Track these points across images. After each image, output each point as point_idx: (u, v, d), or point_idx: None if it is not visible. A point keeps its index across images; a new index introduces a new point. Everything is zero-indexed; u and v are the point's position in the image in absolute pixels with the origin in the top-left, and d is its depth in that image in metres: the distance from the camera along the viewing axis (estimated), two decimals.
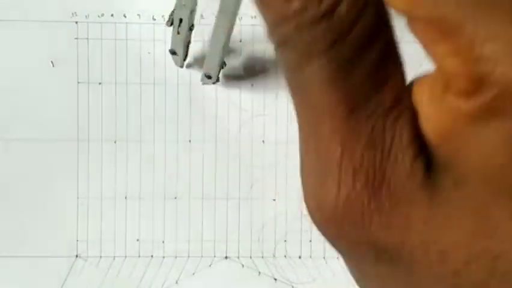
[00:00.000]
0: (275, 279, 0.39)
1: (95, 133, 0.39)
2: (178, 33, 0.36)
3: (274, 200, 0.39)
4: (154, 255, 0.40)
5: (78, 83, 0.39)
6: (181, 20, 0.36)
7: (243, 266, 0.40)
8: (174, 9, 0.36)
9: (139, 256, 0.40)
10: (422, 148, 0.15)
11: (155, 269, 0.40)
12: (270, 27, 0.15)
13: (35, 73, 0.39)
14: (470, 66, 0.14)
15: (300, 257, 0.40)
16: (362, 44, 0.15)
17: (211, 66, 0.37)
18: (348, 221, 0.16)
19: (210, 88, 0.39)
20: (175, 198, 0.40)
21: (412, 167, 0.15)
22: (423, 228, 0.15)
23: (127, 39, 0.39)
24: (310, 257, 0.40)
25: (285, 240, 0.40)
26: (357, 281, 0.18)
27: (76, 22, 0.39)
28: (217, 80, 0.37)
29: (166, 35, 0.39)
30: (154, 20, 0.39)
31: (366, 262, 0.16)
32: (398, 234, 0.15)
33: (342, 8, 0.14)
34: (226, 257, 0.40)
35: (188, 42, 0.37)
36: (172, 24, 0.37)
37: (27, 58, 0.39)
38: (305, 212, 0.37)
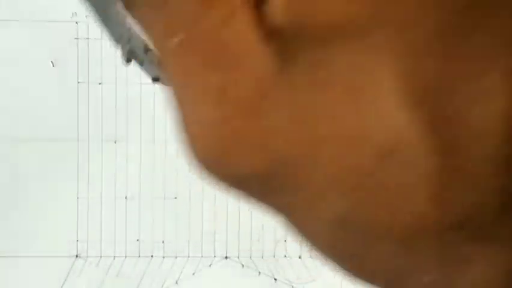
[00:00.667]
0: (275, 279, 0.39)
1: (95, 133, 0.39)
2: (142, 64, 0.35)
3: None
4: (154, 255, 0.40)
5: (78, 83, 0.39)
6: (133, 52, 0.35)
7: (243, 266, 0.40)
8: (122, 49, 0.35)
9: (139, 256, 0.40)
10: (269, 36, 0.14)
11: (155, 269, 0.40)
12: None
13: (35, 73, 0.39)
14: None
15: (300, 257, 0.40)
16: None
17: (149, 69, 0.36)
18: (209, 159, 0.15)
19: None
20: (175, 198, 0.40)
21: (262, 63, 0.14)
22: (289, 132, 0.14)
23: None
24: (310, 257, 0.40)
25: (285, 240, 0.40)
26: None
27: (76, 22, 0.39)
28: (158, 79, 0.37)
29: None
30: None
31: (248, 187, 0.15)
32: (266, 147, 0.14)
33: None
34: (226, 257, 0.40)
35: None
36: (130, 61, 0.36)
37: (27, 58, 0.39)
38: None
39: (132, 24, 0.28)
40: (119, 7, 0.24)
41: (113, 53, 0.39)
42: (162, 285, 0.40)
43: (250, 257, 0.40)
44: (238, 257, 0.40)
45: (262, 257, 0.39)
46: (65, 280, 0.39)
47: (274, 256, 0.40)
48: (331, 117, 0.13)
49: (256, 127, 0.14)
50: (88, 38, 0.39)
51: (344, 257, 0.15)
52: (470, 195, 0.13)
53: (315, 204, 0.14)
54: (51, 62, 0.39)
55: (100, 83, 0.39)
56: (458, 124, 0.13)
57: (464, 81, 0.13)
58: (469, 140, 0.13)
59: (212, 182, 0.15)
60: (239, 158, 0.14)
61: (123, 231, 0.40)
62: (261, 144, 0.14)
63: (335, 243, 0.15)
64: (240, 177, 0.15)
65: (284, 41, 0.14)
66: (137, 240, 0.40)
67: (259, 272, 0.40)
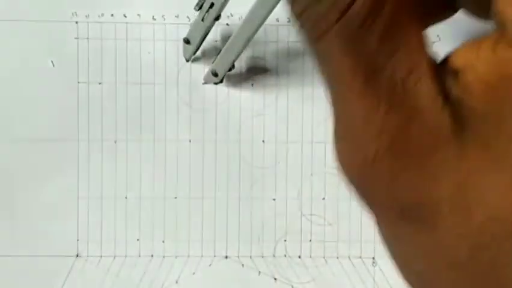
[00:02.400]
0: (275, 279, 0.39)
1: (95, 133, 0.39)
2: (203, 20, 0.35)
3: (274, 200, 0.40)
4: (154, 255, 0.40)
5: (78, 83, 0.39)
6: (211, 5, 0.34)
7: (243, 266, 0.40)
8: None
9: (139, 256, 0.40)
10: (448, 105, 0.16)
11: (155, 268, 0.40)
12: (289, 1, 0.17)
13: (35, 73, 0.39)
14: None
15: (300, 257, 0.40)
16: (367, 13, 0.16)
17: (221, 67, 0.36)
18: (374, 183, 0.16)
19: (210, 88, 0.39)
20: (175, 198, 0.40)
21: (439, 121, 0.16)
22: (450, 184, 0.15)
23: (127, 39, 0.39)
24: (310, 257, 0.40)
25: (285, 240, 0.40)
26: (386, 241, 0.18)
27: (76, 22, 0.39)
28: (221, 81, 0.37)
29: (166, 35, 0.39)
30: (154, 20, 0.39)
31: (393, 222, 0.17)
32: (424, 190, 0.16)
33: None
34: (226, 257, 0.40)
35: (207, 33, 0.36)
36: (200, 8, 0.35)
37: (27, 58, 0.39)
38: (305, 212, 0.36)
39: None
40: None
41: (113, 53, 0.39)
42: (162, 285, 0.40)
43: (250, 257, 0.40)
44: (238, 257, 0.40)
45: (262, 257, 0.39)
46: (66, 279, 0.40)
47: (274, 256, 0.40)
48: (488, 192, 0.15)
49: (416, 173, 0.16)
50: (88, 38, 0.39)
51: None
52: None
53: (440, 248, 0.16)
54: (52, 61, 0.39)
55: (100, 83, 0.39)
56: None
57: None
58: None
59: (352, 190, 0.17)
60: (388, 190, 0.16)
61: (123, 231, 0.40)
62: (425, 184, 0.16)
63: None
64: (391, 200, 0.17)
65: (464, 113, 0.16)
66: (138, 239, 0.40)
67: (259, 272, 0.40)
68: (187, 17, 0.39)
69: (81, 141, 0.39)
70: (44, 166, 0.39)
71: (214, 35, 0.38)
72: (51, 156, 0.39)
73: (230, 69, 0.36)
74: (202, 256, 0.40)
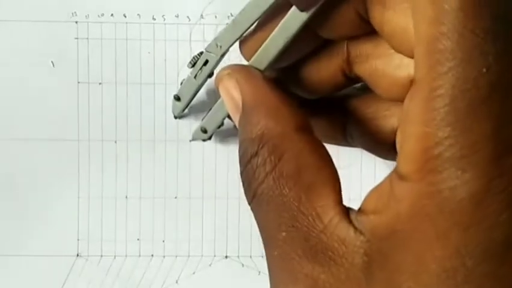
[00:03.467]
0: None
1: (96, 133, 0.39)
2: (195, 77, 0.34)
3: None
4: (154, 255, 0.40)
5: (78, 83, 0.39)
6: (206, 63, 0.34)
7: (243, 265, 0.40)
8: (204, 51, 0.34)
9: (140, 255, 0.40)
10: (359, 242, 0.21)
11: (155, 268, 0.40)
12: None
13: (35, 73, 0.39)
14: None
15: None
16: (277, 183, 0.24)
17: (212, 121, 0.35)
18: None
19: (211, 86, 0.39)
20: (175, 198, 0.40)
21: (354, 264, 0.21)
22: None
23: (127, 39, 0.39)
24: None
25: None
26: None
27: (76, 22, 0.39)
28: (210, 138, 0.36)
29: (166, 35, 0.39)
30: (154, 19, 0.39)
31: None
32: None
33: None
34: (226, 257, 0.40)
35: (198, 90, 0.35)
36: (193, 65, 0.34)
37: (27, 58, 0.39)
38: None
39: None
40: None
41: (113, 53, 0.39)
42: (162, 284, 0.40)
43: (250, 257, 0.40)
44: (238, 257, 0.40)
45: (262, 257, 0.40)
46: (66, 279, 0.40)
47: None
48: None
49: None
50: (88, 38, 0.39)
51: None
52: None
53: None
54: (52, 62, 0.39)
55: (100, 83, 0.39)
56: None
57: None
58: None
59: None
60: None
61: (123, 231, 0.40)
62: None
63: None
64: None
65: (370, 243, 0.20)
66: (138, 239, 0.40)
67: (259, 272, 0.40)
68: (187, 17, 0.39)
69: (81, 141, 0.39)
70: (44, 166, 0.39)
71: (203, 90, 0.38)
72: (51, 156, 0.39)
73: (219, 127, 0.35)
74: (202, 256, 0.40)
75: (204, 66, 0.33)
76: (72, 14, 0.39)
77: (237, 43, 0.32)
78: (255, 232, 0.40)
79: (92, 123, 0.39)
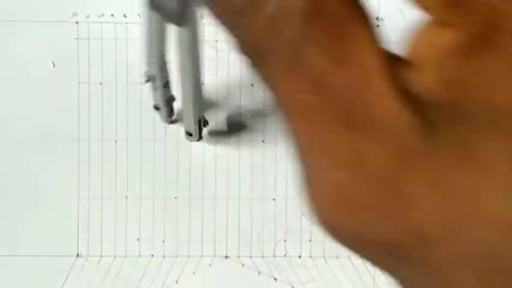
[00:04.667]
0: (275, 279, 0.39)
1: (96, 133, 0.39)
2: (155, 90, 0.35)
3: (274, 199, 0.40)
4: (154, 255, 0.40)
5: (79, 83, 0.39)
6: (154, 78, 0.35)
7: (243, 265, 0.40)
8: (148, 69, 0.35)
9: (140, 256, 0.40)
10: (411, 107, 0.14)
11: (155, 268, 0.40)
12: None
13: (35, 73, 0.39)
14: None
15: (300, 257, 0.40)
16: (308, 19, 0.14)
17: (189, 124, 0.36)
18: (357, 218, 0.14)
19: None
20: (175, 198, 0.40)
21: (404, 136, 0.14)
22: (430, 204, 0.13)
23: (126, 39, 0.39)
24: (310, 256, 0.40)
25: (285, 240, 0.40)
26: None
27: (77, 22, 0.39)
28: (200, 138, 0.37)
29: None
30: None
31: (378, 260, 0.15)
32: (406, 220, 0.14)
33: None
34: (226, 257, 0.40)
35: (170, 98, 0.36)
36: (147, 81, 0.35)
37: (28, 58, 0.39)
38: (305, 211, 0.36)
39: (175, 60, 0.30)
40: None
41: (113, 53, 0.39)
42: (162, 285, 0.40)
43: (250, 257, 0.40)
44: (238, 257, 0.40)
45: (262, 257, 0.39)
46: (66, 279, 0.40)
47: (274, 256, 0.40)
48: (477, 200, 0.13)
49: (394, 196, 0.14)
50: (88, 38, 0.39)
51: None
52: None
53: (441, 281, 0.14)
54: (52, 62, 0.39)
55: (100, 83, 0.39)
56: None
57: None
58: None
59: (334, 241, 0.15)
60: (371, 225, 0.14)
61: (123, 231, 0.40)
62: (397, 214, 0.14)
63: None
64: (367, 243, 0.14)
65: (428, 112, 0.13)
66: (138, 239, 0.40)
67: (259, 272, 0.40)
68: None
69: (81, 141, 0.39)
70: (44, 166, 0.39)
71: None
72: (52, 156, 0.39)
73: (204, 125, 0.36)
74: (202, 256, 0.40)
75: (155, 80, 0.34)
76: (72, 14, 0.39)
77: None
78: (255, 232, 0.40)
79: (92, 123, 0.39)
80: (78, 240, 0.40)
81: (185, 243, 0.40)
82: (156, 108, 0.37)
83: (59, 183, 0.39)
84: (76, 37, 0.39)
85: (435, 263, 0.14)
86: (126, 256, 0.40)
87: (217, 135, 0.39)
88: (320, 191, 0.15)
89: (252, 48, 0.14)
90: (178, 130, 0.39)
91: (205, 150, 0.39)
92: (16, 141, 0.39)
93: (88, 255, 0.40)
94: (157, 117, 0.39)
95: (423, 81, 0.14)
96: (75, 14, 0.39)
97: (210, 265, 0.40)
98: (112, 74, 0.39)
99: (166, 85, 0.35)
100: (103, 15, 0.39)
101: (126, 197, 0.40)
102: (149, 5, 0.29)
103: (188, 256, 0.40)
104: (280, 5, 0.13)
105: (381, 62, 0.14)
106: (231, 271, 0.40)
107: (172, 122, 0.39)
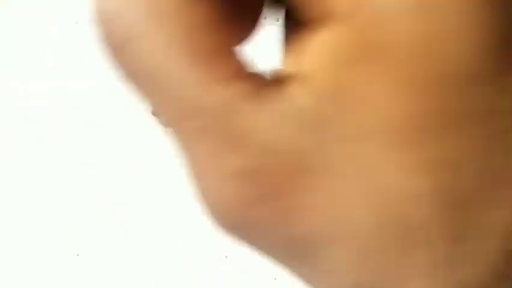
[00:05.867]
0: (275, 279, 0.40)
1: (95, 133, 0.39)
2: None
3: None
4: (155, 255, 0.40)
5: (78, 82, 0.39)
6: None
7: (243, 266, 0.40)
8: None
9: (139, 255, 0.40)
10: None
11: (155, 268, 0.40)
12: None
13: (35, 73, 0.39)
14: None
15: None
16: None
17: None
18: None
19: None
20: (176, 197, 0.40)
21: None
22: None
23: None
24: None
25: None
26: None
27: (76, 22, 0.39)
28: None
29: None
30: None
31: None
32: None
33: None
34: (226, 257, 0.40)
35: None
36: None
37: (27, 58, 0.39)
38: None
39: None
40: None
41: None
42: (163, 284, 0.40)
43: (250, 257, 0.40)
44: (238, 257, 0.40)
45: (263, 257, 0.40)
46: (66, 279, 0.40)
47: None
48: (370, 178, 0.14)
49: (284, 204, 0.14)
50: (87, 38, 0.39)
51: None
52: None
53: (328, 276, 0.15)
54: (52, 62, 0.39)
55: (100, 83, 0.39)
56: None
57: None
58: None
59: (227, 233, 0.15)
60: (261, 231, 0.15)
61: (123, 231, 0.40)
62: (286, 221, 0.14)
63: None
64: (263, 244, 0.15)
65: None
66: (138, 239, 0.40)
67: (259, 272, 0.40)
68: None
69: (81, 138, 0.39)
70: (45, 166, 0.39)
71: None
72: (52, 156, 0.39)
73: None
74: (202, 256, 0.40)
75: None
76: (72, 14, 0.39)
77: None
78: None
79: (92, 123, 0.39)
80: (78, 240, 0.40)
81: (185, 243, 0.40)
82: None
83: (58, 182, 0.39)
84: (76, 37, 0.39)
85: (323, 259, 0.14)
86: (126, 256, 0.40)
87: None
88: (209, 201, 0.15)
89: None
90: None
91: None
92: (16, 141, 0.39)
93: (88, 255, 0.40)
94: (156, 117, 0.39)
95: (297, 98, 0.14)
96: (74, 14, 0.39)
97: (210, 265, 0.40)
98: (111, 74, 0.39)
99: None
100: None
101: (126, 197, 0.40)
102: None
103: (188, 256, 0.40)
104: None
105: (247, 84, 0.14)
106: (231, 271, 0.40)
107: None
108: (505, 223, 0.14)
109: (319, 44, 0.15)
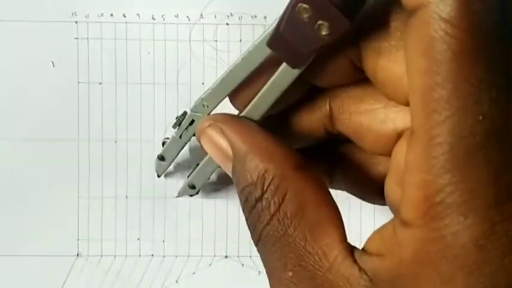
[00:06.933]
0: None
1: (96, 133, 0.39)
2: (181, 137, 0.34)
3: None
4: (154, 255, 0.40)
5: (78, 83, 0.39)
6: (191, 123, 0.33)
7: (243, 265, 0.40)
8: (189, 111, 0.33)
9: (140, 255, 0.40)
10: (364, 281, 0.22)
11: (155, 268, 0.40)
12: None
13: (35, 73, 0.39)
14: None
15: None
16: (290, 221, 0.24)
17: (199, 180, 0.35)
18: None
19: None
20: (176, 197, 0.40)
21: None
22: None
23: (126, 39, 0.39)
24: None
25: None
26: None
27: (76, 22, 0.39)
28: (198, 192, 0.36)
29: (165, 35, 0.39)
30: (154, 19, 0.39)
31: None
32: None
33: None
34: (226, 257, 0.40)
35: (182, 149, 0.35)
36: (179, 125, 0.34)
37: (27, 58, 0.39)
38: None
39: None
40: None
41: (113, 53, 0.39)
42: (162, 284, 0.40)
43: (250, 257, 0.40)
44: (238, 257, 0.40)
45: None
46: (66, 279, 0.40)
47: None
48: None
49: None
50: (87, 38, 0.39)
51: None
52: None
53: None
54: (52, 62, 0.39)
55: (100, 83, 0.39)
56: None
57: None
58: None
59: None
60: None
61: (123, 231, 0.40)
62: None
63: None
64: None
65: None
66: (138, 239, 0.40)
67: (259, 272, 0.40)
68: (187, 16, 0.39)
69: (81, 141, 0.39)
70: (44, 166, 0.39)
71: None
72: (52, 156, 0.39)
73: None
74: (202, 256, 0.40)
75: (189, 126, 0.33)
76: (72, 14, 0.39)
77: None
78: None
79: (92, 123, 0.39)
80: (78, 240, 0.40)
81: (185, 243, 0.40)
82: (161, 158, 0.36)
83: (59, 182, 0.39)
84: (76, 37, 0.39)
85: None
86: (126, 256, 0.40)
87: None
88: None
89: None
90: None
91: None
92: (15, 141, 0.39)
93: (88, 255, 0.40)
94: (157, 117, 0.39)
95: (370, 263, 0.21)
96: (74, 14, 0.39)
97: (210, 265, 0.40)
98: (111, 74, 0.39)
99: (194, 133, 0.33)
100: (102, 15, 0.39)
101: (126, 197, 0.40)
102: (270, 43, 0.27)
103: (189, 256, 0.40)
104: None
105: (342, 247, 0.21)
106: (231, 271, 0.40)
107: (166, 175, 0.39)
108: None
109: (405, 239, 0.19)
